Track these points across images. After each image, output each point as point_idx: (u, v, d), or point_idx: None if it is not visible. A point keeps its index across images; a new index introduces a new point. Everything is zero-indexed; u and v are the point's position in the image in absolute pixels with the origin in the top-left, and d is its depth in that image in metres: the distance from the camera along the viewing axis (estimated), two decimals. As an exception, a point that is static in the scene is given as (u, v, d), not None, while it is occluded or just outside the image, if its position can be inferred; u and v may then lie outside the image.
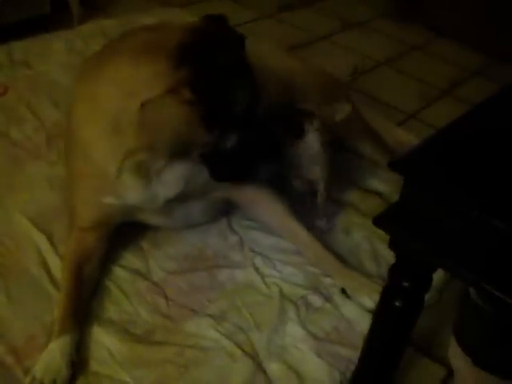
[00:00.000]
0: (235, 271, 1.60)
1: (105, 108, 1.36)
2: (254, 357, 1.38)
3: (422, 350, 1.52)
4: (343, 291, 1.56)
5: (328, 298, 1.55)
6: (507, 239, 0.88)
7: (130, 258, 1.59)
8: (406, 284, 1.10)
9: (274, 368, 1.36)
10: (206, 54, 1.29)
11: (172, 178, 1.46)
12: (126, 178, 1.42)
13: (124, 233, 1.62)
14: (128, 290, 1.51)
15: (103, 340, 1.38)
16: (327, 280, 1.60)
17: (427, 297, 1.16)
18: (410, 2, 3.51)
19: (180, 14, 3.09)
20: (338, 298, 1.56)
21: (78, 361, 1.32)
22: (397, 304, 1.13)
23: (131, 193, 1.47)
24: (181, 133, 1.32)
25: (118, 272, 1.55)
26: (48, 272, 1.53)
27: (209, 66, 1.28)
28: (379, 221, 1.02)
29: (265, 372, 1.35)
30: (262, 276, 1.59)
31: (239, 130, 1.36)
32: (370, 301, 1.51)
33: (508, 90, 1.21)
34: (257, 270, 1.61)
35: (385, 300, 1.15)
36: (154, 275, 1.56)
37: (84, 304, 1.45)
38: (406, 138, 2.21)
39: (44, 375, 1.26)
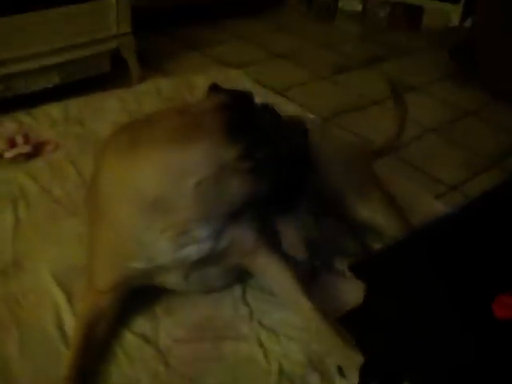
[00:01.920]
0: (240, 344, 1.63)
1: (144, 190, 1.45)
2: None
3: None
4: (340, 369, 1.55)
5: (326, 379, 1.55)
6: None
7: (141, 323, 1.65)
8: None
9: None
10: (249, 125, 1.43)
11: (205, 237, 1.53)
12: (162, 244, 1.51)
13: (138, 296, 1.68)
14: (133, 355, 1.57)
15: (102, 403, 1.44)
16: (329, 359, 1.61)
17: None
18: (467, 64, 3.47)
19: (235, 75, 3.20)
20: (336, 378, 1.56)
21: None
22: (369, 401, 1.14)
23: (164, 256, 1.54)
24: (241, 201, 1.48)
25: (128, 336, 1.61)
26: (62, 331, 1.60)
27: (264, 139, 1.44)
28: (343, 321, 1.04)
29: None
30: (265, 351, 1.61)
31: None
32: None
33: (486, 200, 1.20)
34: (261, 344, 1.63)
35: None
36: (160, 342, 1.61)
37: (92, 365, 1.51)
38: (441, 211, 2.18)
39: None
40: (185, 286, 1.69)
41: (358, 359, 1.54)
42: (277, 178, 1.50)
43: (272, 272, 1.71)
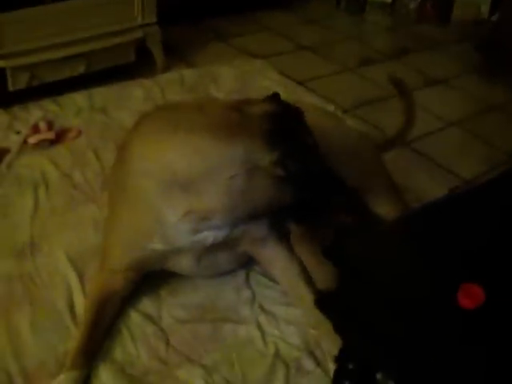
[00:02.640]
0: (239, 326, 1.69)
1: (179, 171, 1.49)
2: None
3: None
4: (336, 359, 1.58)
5: (320, 363, 1.60)
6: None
7: (146, 303, 1.73)
8: (351, 366, 1.16)
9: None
10: (291, 137, 1.52)
11: (222, 227, 1.59)
12: (182, 226, 1.56)
13: (145, 279, 1.74)
14: (137, 333, 1.64)
15: (102, 377, 1.51)
16: (325, 344, 1.65)
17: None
18: (495, 58, 3.44)
19: (260, 66, 3.24)
20: (331, 363, 1.60)
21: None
22: (346, 384, 1.18)
23: (184, 238, 1.59)
24: (266, 203, 1.54)
25: (132, 315, 1.69)
26: (72, 309, 1.68)
27: (296, 148, 1.51)
28: (319, 303, 1.09)
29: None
30: (263, 333, 1.67)
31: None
32: None
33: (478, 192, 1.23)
34: (260, 327, 1.69)
35: (335, 381, 1.21)
36: (163, 321, 1.68)
37: (98, 343, 1.58)
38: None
39: None
40: (195, 270, 1.74)
41: None
42: (303, 194, 1.55)
43: (279, 263, 1.76)
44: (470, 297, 0.97)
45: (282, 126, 1.50)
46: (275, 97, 1.60)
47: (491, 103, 3.26)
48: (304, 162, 1.52)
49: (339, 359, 1.17)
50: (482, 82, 3.44)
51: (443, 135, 2.92)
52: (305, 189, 1.53)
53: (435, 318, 0.96)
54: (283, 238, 1.77)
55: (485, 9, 3.94)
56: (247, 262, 1.86)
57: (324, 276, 1.71)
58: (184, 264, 1.71)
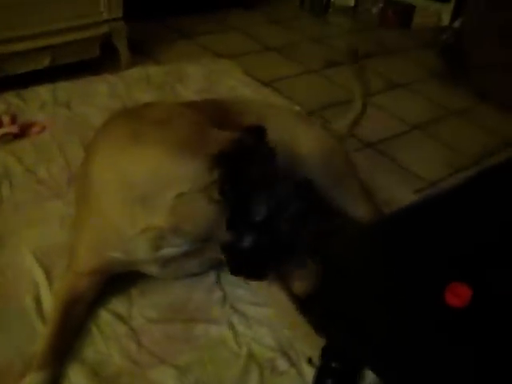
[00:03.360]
0: (211, 327, 1.67)
1: (135, 185, 1.48)
2: (206, 412, 1.45)
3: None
4: (310, 360, 1.58)
5: (295, 363, 1.60)
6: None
7: (116, 303, 1.69)
8: (335, 365, 1.16)
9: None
10: (240, 166, 1.47)
11: (181, 243, 1.58)
12: (140, 242, 1.55)
13: (115, 278, 1.71)
14: (107, 332, 1.61)
15: (73, 378, 1.48)
16: (299, 345, 1.65)
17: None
18: (457, 63, 3.51)
19: (227, 66, 3.23)
20: (305, 364, 1.60)
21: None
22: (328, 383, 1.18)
23: (141, 253, 1.58)
24: (205, 226, 1.50)
25: (102, 314, 1.66)
26: (39, 306, 1.64)
27: (239, 177, 1.46)
28: (305, 305, 1.09)
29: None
30: (236, 334, 1.66)
31: (255, 233, 1.50)
32: None
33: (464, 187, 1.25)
34: (232, 327, 1.68)
35: (317, 379, 1.21)
36: (134, 321, 1.66)
37: (67, 343, 1.55)
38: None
39: None
40: (162, 274, 1.74)
41: None
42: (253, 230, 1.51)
43: None
44: (458, 295, 0.99)
45: (239, 153, 1.47)
46: (258, 131, 1.57)
47: (453, 108, 3.33)
48: (245, 191, 1.47)
49: (322, 357, 1.17)
50: (444, 86, 3.51)
51: (407, 138, 2.96)
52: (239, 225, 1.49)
53: (423, 316, 0.97)
54: None
55: (445, 17, 4.02)
56: (218, 264, 1.83)
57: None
58: (150, 269, 1.70)
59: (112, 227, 1.56)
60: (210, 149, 1.46)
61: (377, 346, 0.99)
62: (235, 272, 1.62)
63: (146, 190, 1.47)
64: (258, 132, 1.57)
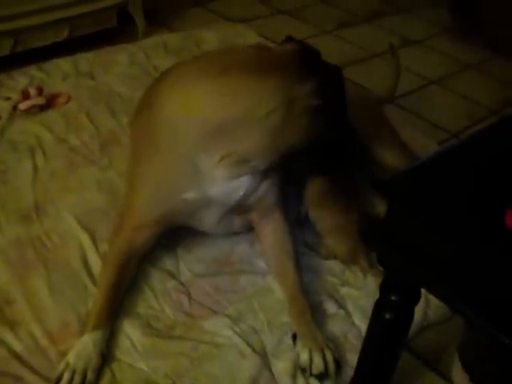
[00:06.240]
0: (257, 277, 1.72)
1: (213, 116, 1.48)
2: (262, 355, 1.49)
3: (430, 364, 1.59)
4: (294, 337, 1.54)
5: (342, 306, 1.65)
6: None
7: (163, 259, 1.73)
8: (394, 298, 1.19)
9: (279, 366, 1.47)
10: (321, 69, 1.53)
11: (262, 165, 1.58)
12: (218, 172, 1.54)
13: (162, 236, 1.73)
14: (157, 288, 1.65)
15: (128, 331, 1.52)
16: (344, 289, 1.70)
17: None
18: (468, 18, 3.51)
19: (242, 30, 3.23)
20: (352, 306, 1.65)
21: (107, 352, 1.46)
22: (387, 317, 1.21)
23: (218, 185, 1.57)
24: (301, 134, 1.53)
25: (151, 271, 1.69)
26: (87, 267, 1.68)
27: (327, 78, 1.52)
28: (366, 237, 1.12)
29: (270, 370, 1.46)
30: (280, 282, 1.70)
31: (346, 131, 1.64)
32: (304, 356, 1.48)
33: (506, 121, 1.27)
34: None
35: (376, 313, 1.24)
36: (182, 276, 1.70)
37: (120, 301, 1.58)
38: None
39: (77, 363, 1.40)
40: (214, 227, 1.73)
41: (313, 336, 1.52)
42: (332, 129, 1.57)
43: (274, 239, 1.74)
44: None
45: (311, 58, 1.52)
46: (291, 39, 1.62)
47: (467, 62, 3.34)
48: (336, 92, 1.55)
49: (382, 291, 1.20)
50: (457, 41, 3.51)
51: (425, 92, 2.97)
52: (334, 123, 1.56)
53: (485, 240, 0.99)
54: (286, 216, 1.77)
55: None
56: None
57: (337, 243, 1.73)
58: (206, 220, 1.69)
59: (186, 165, 1.54)
60: (284, 62, 1.48)
61: (439, 272, 1.02)
62: (327, 169, 1.70)
63: (227, 117, 1.47)
64: (293, 40, 1.63)
